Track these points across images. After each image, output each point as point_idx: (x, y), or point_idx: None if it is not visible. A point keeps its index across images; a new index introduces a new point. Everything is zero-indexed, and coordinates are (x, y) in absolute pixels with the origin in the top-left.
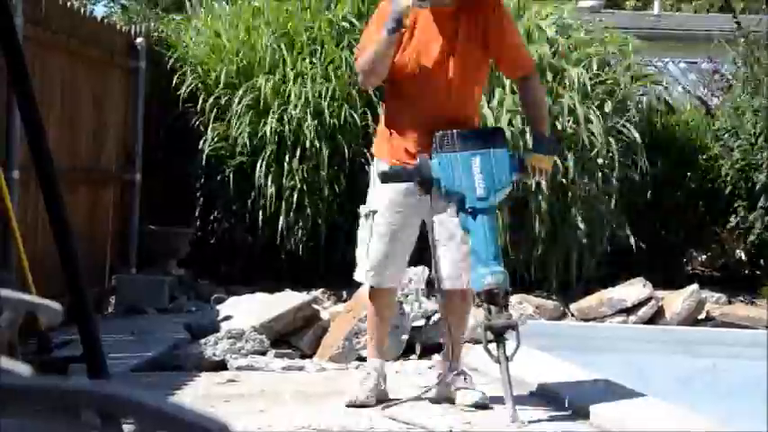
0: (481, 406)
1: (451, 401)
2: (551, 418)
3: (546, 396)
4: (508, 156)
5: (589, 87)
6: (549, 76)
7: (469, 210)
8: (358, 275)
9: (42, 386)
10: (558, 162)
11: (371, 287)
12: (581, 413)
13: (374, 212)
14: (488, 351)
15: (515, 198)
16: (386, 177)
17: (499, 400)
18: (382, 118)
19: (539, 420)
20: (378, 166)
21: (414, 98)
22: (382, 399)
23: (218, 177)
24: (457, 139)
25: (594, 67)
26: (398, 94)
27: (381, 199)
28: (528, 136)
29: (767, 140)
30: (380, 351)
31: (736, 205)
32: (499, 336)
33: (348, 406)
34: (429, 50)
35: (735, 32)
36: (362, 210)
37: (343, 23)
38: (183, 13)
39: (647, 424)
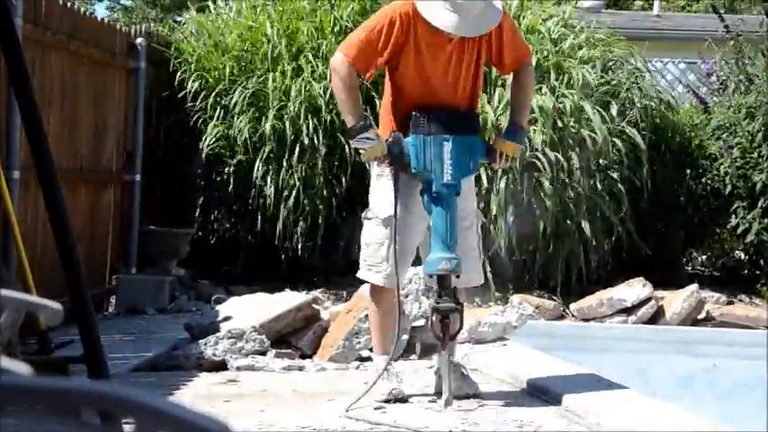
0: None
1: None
2: (550, 419)
3: (545, 396)
4: (478, 141)
5: (593, 85)
6: (553, 76)
7: (435, 194)
8: (367, 275)
9: (42, 386)
10: (562, 158)
11: (379, 287)
12: (580, 413)
13: (393, 217)
14: (433, 331)
15: (517, 198)
16: (355, 129)
17: (495, 397)
18: (383, 121)
19: (536, 420)
20: (374, 169)
21: (414, 98)
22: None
23: (218, 177)
24: (431, 121)
25: (599, 69)
26: (403, 103)
27: (391, 205)
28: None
29: (765, 139)
30: (389, 347)
31: (735, 206)
32: (444, 318)
33: (386, 402)
34: (432, 62)
35: (724, 33)
36: (372, 213)
37: (346, 22)
38: (185, 12)
39: (647, 424)
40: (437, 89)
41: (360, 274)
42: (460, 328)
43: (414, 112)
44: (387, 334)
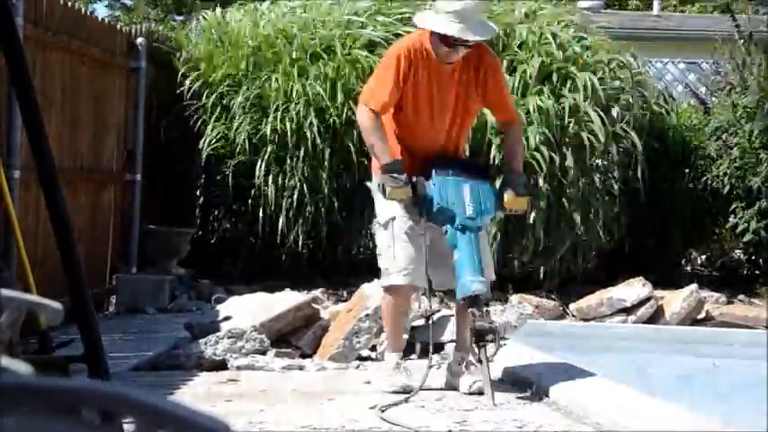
0: (477, 392)
1: (455, 389)
2: (550, 419)
3: (545, 396)
4: (490, 188)
5: (600, 92)
6: (559, 80)
7: (459, 227)
8: (387, 280)
9: (42, 386)
10: (556, 157)
11: (395, 286)
12: (581, 413)
13: (393, 219)
14: (472, 351)
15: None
16: (387, 168)
17: (496, 399)
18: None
19: (536, 420)
20: (376, 181)
21: (415, 132)
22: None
23: (219, 177)
24: (450, 166)
25: (605, 72)
26: (401, 124)
27: (395, 207)
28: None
29: (764, 140)
30: (401, 346)
31: (734, 206)
32: (481, 338)
33: (393, 393)
34: (435, 96)
35: (735, 33)
36: (378, 221)
37: (353, 20)
38: (186, 13)
39: (646, 423)
40: (428, 128)
41: (381, 283)
42: (497, 349)
43: (433, 159)
44: (399, 333)
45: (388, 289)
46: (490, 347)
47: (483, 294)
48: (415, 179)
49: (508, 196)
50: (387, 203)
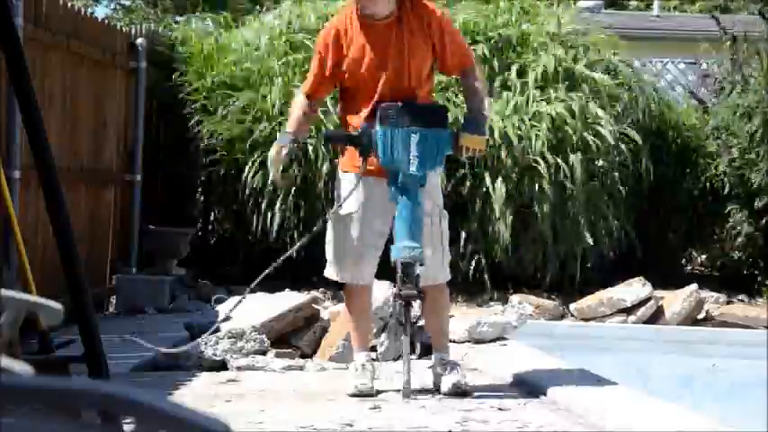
0: (455, 392)
1: (438, 388)
2: (550, 418)
3: (545, 396)
4: (446, 135)
5: (603, 92)
6: (561, 79)
7: (400, 184)
8: (330, 273)
9: (42, 386)
10: (561, 162)
11: (350, 285)
12: (581, 413)
13: (350, 216)
14: (396, 317)
15: (520, 200)
16: (328, 140)
17: (495, 396)
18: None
19: (536, 420)
20: (341, 178)
21: (365, 99)
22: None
23: (218, 177)
24: (399, 113)
25: (607, 71)
26: (356, 108)
27: (353, 203)
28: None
29: (763, 139)
30: (366, 344)
31: (730, 206)
32: (406, 304)
33: (353, 396)
34: (372, 57)
35: (723, 34)
36: (333, 212)
37: None
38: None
39: (647, 424)
40: (384, 82)
41: (325, 272)
42: (421, 315)
43: (383, 104)
44: (363, 332)
45: (344, 292)
46: (414, 311)
47: (415, 260)
48: (361, 127)
49: (464, 135)
50: (343, 195)
